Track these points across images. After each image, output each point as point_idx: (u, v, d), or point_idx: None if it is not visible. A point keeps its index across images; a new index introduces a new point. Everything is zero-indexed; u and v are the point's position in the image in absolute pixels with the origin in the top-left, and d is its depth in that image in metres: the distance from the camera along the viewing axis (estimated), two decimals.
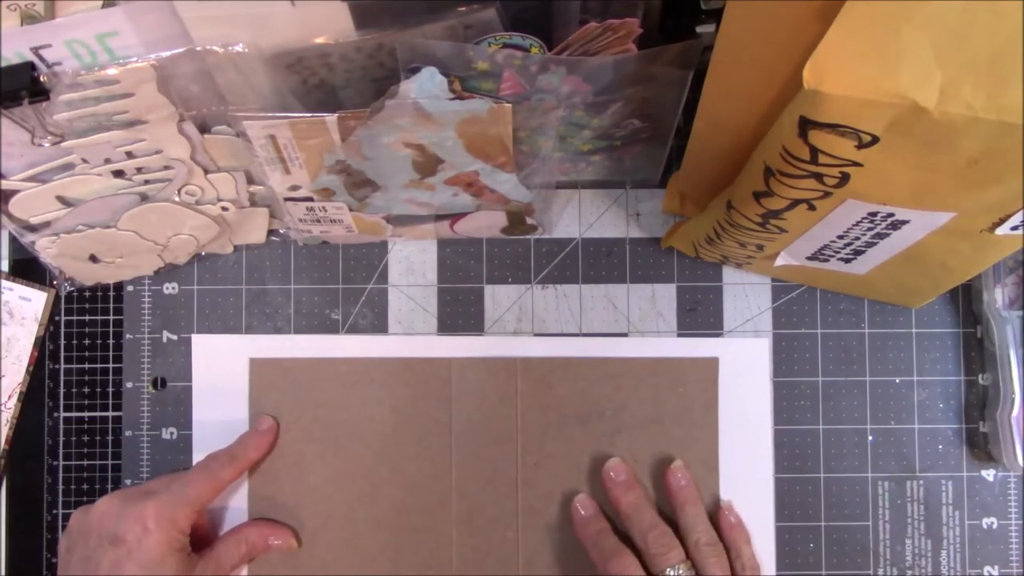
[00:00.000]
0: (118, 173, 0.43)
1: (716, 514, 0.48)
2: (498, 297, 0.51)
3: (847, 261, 0.42)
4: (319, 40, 0.37)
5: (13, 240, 0.50)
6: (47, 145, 0.41)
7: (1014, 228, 0.35)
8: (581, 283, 0.51)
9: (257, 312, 0.52)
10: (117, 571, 0.42)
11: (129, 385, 0.51)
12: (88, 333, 0.51)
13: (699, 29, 0.39)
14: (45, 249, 0.47)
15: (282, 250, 0.52)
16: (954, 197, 0.33)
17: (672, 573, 0.44)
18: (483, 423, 0.50)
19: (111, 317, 0.52)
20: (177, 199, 0.46)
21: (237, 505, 0.50)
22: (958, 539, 0.50)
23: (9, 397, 0.51)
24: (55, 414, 0.51)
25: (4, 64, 0.37)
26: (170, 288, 0.52)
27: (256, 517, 0.50)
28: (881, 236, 0.38)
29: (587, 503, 0.49)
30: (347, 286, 0.51)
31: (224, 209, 0.47)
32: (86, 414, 0.51)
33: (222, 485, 0.47)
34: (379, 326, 0.51)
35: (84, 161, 0.43)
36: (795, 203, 0.35)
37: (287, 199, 0.46)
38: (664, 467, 0.49)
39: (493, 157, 0.42)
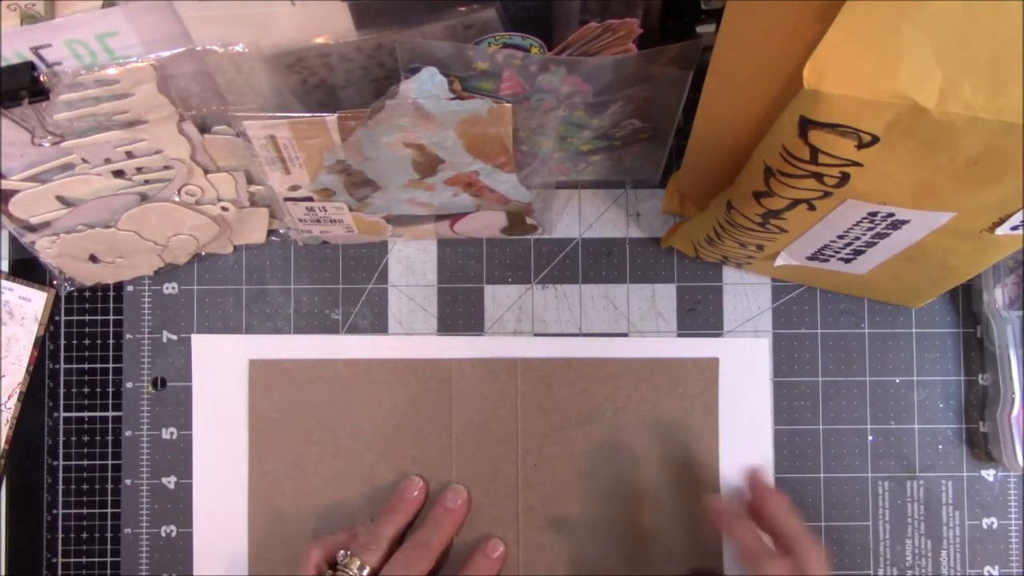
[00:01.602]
0: (118, 173, 0.43)
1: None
2: (498, 297, 0.51)
3: (847, 261, 0.42)
4: (319, 40, 0.37)
5: (13, 240, 0.50)
6: (47, 145, 0.41)
7: (1014, 228, 0.35)
8: (581, 283, 0.51)
9: (257, 312, 0.52)
10: None
11: (129, 385, 0.51)
12: (88, 333, 0.51)
13: (699, 29, 0.39)
14: (45, 249, 0.47)
15: (282, 250, 0.52)
16: (954, 197, 0.33)
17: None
18: (483, 424, 0.50)
19: (111, 317, 0.52)
20: (177, 199, 0.46)
21: (236, 506, 0.50)
22: (958, 539, 0.50)
23: (9, 397, 0.51)
24: (55, 414, 0.51)
25: (4, 64, 0.37)
26: (170, 288, 0.52)
27: (256, 520, 0.50)
28: (881, 236, 0.38)
29: (722, 502, 0.46)
30: (347, 286, 0.51)
31: (224, 209, 0.47)
32: (86, 414, 0.51)
33: None
34: (379, 326, 0.51)
35: (84, 161, 0.43)
36: (795, 203, 0.35)
37: (287, 199, 0.46)
38: (667, 468, 0.49)
39: (493, 157, 0.42)
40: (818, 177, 0.32)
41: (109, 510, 0.51)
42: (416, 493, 0.49)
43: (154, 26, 0.37)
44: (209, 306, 0.51)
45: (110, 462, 0.51)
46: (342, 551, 0.45)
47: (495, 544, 0.48)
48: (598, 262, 0.51)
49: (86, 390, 0.51)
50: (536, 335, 0.51)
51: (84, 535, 0.51)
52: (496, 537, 0.49)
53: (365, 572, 0.44)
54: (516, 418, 0.50)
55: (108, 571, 0.51)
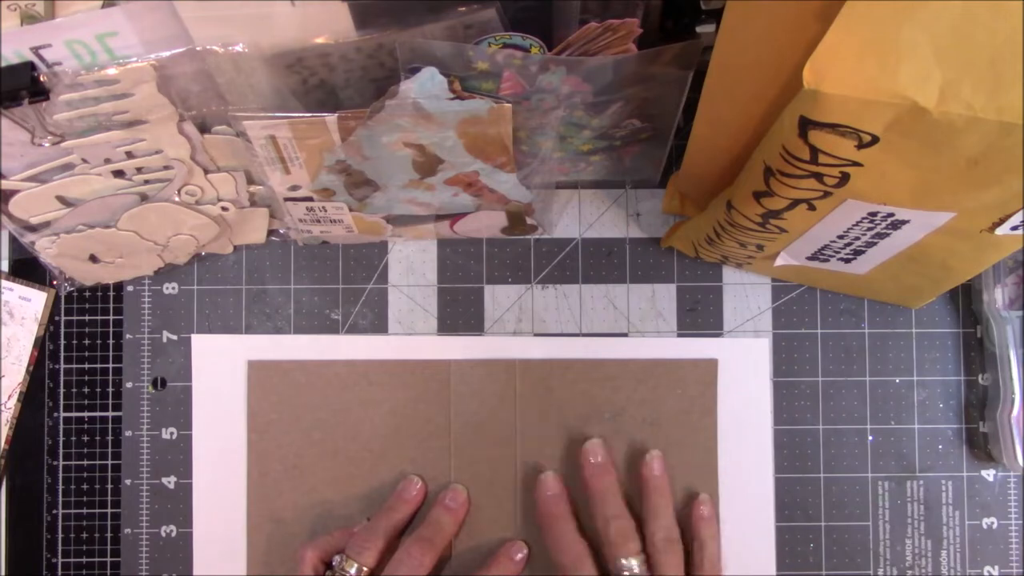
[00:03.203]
0: (118, 173, 0.43)
1: (691, 504, 0.48)
2: (498, 297, 0.51)
3: (847, 261, 0.42)
4: (319, 40, 0.37)
5: (13, 240, 0.50)
6: (47, 145, 0.41)
7: (1014, 228, 0.35)
8: (581, 283, 0.51)
9: (257, 312, 0.52)
10: None
11: (129, 385, 0.51)
12: (88, 333, 0.51)
13: (699, 29, 0.39)
14: (45, 249, 0.47)
15: (282, 250, 0.52)
16: (954, 197, 0.33)
17: (625, 563, 0.44)
18: (482, 425, 0.50)
19: (111, 317, 0.52)
20: (177, 199, 0.46)
21: (236, 506, 0.50)
22: (958, 539, 0.50)
23: (9, 397, 0.51)
24: (55, 414, 0.51)
25: (4, 64, 0.37)
26: (170, 288, 0.52)
27: (255, 521, 0.50)
28: (881, 236, 0.38)
29: (553, 483, 0.48)
30: (347, 286, 0.51)
31: (224, 209, 0.47)
32: (86, 414, 0.51)
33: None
34: (379, 326, 0.51)
35: (84, 161, 0.43)
36: (795, 203, 0.35)
37: (287, 199, 0.46)
38: (665, 469, 0.49)
39: (493, 157, 0.42)
40: (818, 177, 0.32)
41: (109, 510, 0.51)
42: (415, 492, 0.49)
43: (154, 26, 0.37)
44: (209, 306, 0.51)
45: (110, 462, 0.51)
46: (337, 555, 0.45)
47: (520, 546, 0.49)
48: (598, 262, 0.51)
49: (86, 390, 0.51)
50: (536, 335, 0.51)
51: (84, 535, 0.51)
52: (521, 540, 0.49)
53: (363, 573, 0.44)
54: (515, 419, 0.50)
55: (108, 571, 0.51)
